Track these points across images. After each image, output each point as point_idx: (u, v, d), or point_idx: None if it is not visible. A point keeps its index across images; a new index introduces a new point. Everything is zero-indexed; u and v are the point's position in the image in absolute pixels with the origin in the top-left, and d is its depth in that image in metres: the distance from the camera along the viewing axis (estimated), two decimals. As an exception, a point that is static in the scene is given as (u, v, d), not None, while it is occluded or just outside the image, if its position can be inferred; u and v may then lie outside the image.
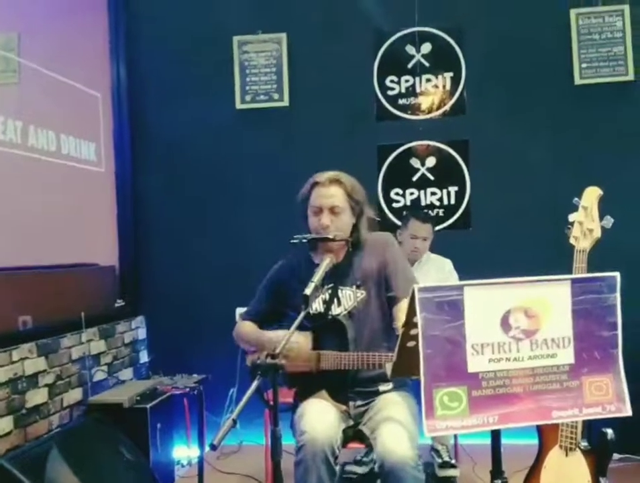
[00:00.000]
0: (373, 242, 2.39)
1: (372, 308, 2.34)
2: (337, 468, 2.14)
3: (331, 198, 2.29)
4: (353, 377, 2.27)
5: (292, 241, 2.28)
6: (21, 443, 2.84)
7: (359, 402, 2.34)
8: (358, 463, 3.40)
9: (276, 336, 2.26)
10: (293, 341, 2.16)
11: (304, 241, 2.28)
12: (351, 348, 2.25)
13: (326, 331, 2.31)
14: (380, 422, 2.19)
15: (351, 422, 2.32)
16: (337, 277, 2.34)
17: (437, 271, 3.44)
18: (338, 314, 2.34)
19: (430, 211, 3.99)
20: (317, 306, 2.36)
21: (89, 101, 3.94)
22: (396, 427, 2.12)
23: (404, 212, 3.83)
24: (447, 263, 3.49)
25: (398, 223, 3.79)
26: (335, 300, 2.35)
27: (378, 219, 2.53)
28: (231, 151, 4.16)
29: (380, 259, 2.35)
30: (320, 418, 2.16)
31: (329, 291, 2.36)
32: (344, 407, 2.31)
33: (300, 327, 2.00)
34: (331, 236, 2.26)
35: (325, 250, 2.28)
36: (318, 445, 2.07)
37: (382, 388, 2.34)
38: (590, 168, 3.71)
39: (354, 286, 2.34)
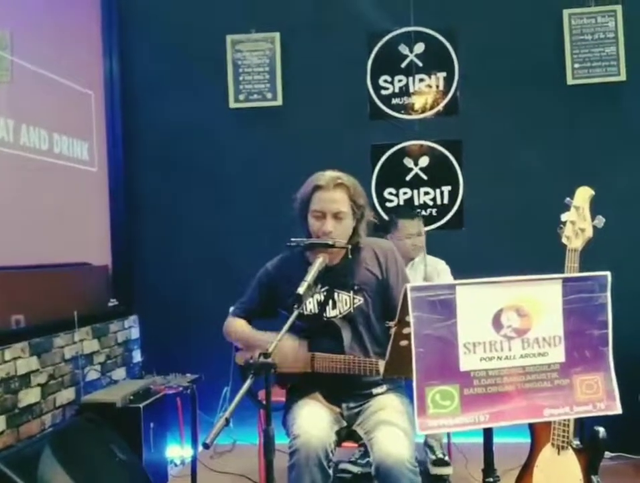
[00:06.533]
0: (374, 249, 2.36)
1: (369, 315, 2.33)
2: (331, 471, 2.12)
3: (335, 203, 2.24)
4: (347, 380, 2.26)
5: (289, 244, 2.25)
6: (14, 443, 2.83)
7: (352, 404, 2.33)
8: (353, 463, 3.40)
9: (267, 337, 2.21)
10: (286, 346, 2.16)
11: (302, 245, 2.25)
12: (346, 352, 2.24)
13: (320, 333, 2.30)
14: (376, 424, 2.18)
15: (344, 424, 2.31)
16: (334, 280, 2.30)
17: (431, 272, 3.43)
18: (333, 317, 2.32)
19: (423, 211, 4.00)
20: (311, 307, 2.34)
21: (82, 99, 3.93)
22: (392, 429, 2.12)
23: (388, 217, 3.73)
24: (441, 264, 3.49)
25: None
26: (330, 302, 2.33)
27: (377, 222, 2.51)
28: (224, 150, 4.15)
29: (381, 270, 2.34)
30: (313, 421, 2.15)
31: (324, 293, 2.33)
32: (337, 409, 2.30)
33: (294, 328, 1.98)
34: (331, 242, 2.21)
35: (321, 252, 2.23)
36: (312, 448, 2.06)
37: (375, 391, 2.33)
38: (582, 168, 3.72)
39: (351, 291, 2.32)
